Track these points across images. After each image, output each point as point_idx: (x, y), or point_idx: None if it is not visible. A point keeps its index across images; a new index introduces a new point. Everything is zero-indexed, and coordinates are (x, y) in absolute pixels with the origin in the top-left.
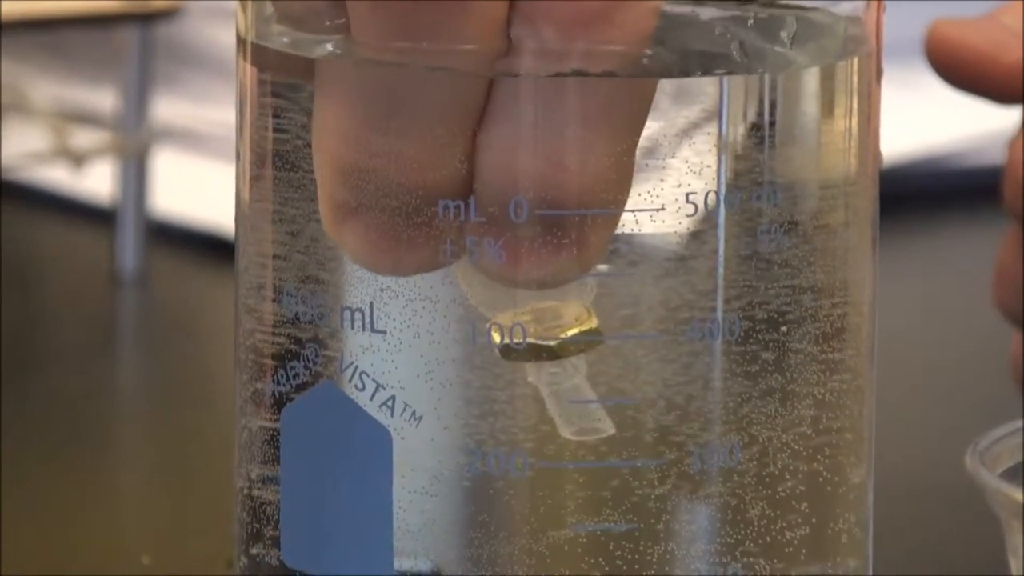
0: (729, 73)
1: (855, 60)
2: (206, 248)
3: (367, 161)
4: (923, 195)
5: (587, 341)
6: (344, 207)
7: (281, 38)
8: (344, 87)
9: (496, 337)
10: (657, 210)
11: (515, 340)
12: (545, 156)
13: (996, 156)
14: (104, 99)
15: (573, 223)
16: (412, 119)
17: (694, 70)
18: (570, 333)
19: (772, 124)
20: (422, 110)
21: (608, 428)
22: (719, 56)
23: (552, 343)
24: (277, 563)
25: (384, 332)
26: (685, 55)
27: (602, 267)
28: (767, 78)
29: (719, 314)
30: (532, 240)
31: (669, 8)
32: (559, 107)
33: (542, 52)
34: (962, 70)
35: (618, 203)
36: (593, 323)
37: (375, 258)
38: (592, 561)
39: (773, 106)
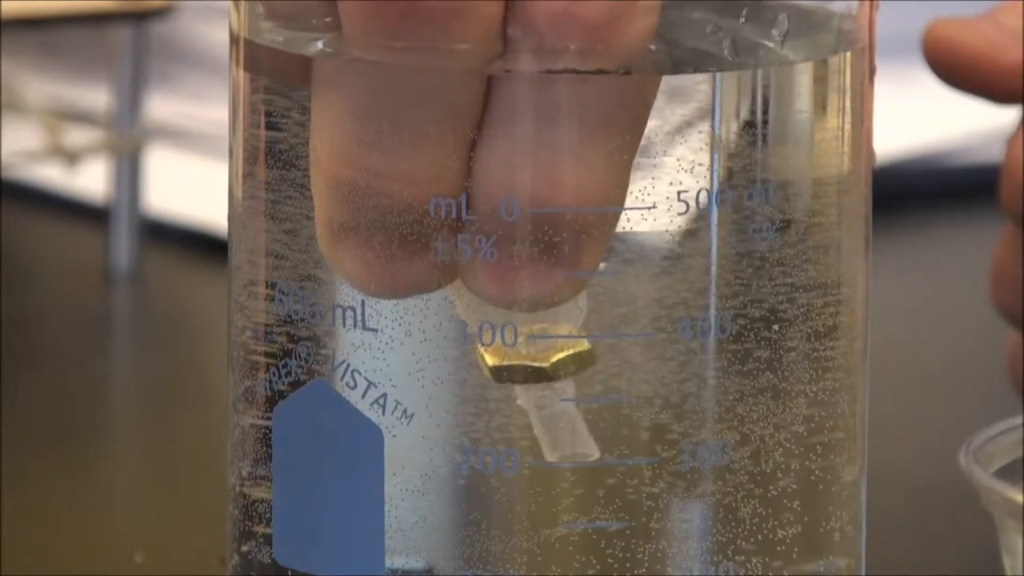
0: (721, 70)
1: (847, 55)
2: (200, 246)
3: (362, 179)
4: (920, 193)
5: (578, 364)
6: (340, 227)
7: (274, 35)
8: (339, 97)
9: (487, 359)
10: (649, 208)
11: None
12: (543, 167)
13: (993, 154)
14: (98, 97)
15: (568, 239)
16: (408, 128)
17: (686, 68)
18: (561, 355)
19: (765, 122)
20: (418, 118)
21: (593, 452)
22: (711, 53)
23: (543, 365)
24: (269, 561)
25: (376, 330)
26: (677, 53)
27: None
28: (759, 75)
29: (712, 312)
30: (527, 256)
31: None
32: (557, 111)
33: (541, 55)
34: (960, 70)
35: (618, 204)
36: (584, 346)
37: (370, 279)
38: (584, 559)
39: (766, 104)
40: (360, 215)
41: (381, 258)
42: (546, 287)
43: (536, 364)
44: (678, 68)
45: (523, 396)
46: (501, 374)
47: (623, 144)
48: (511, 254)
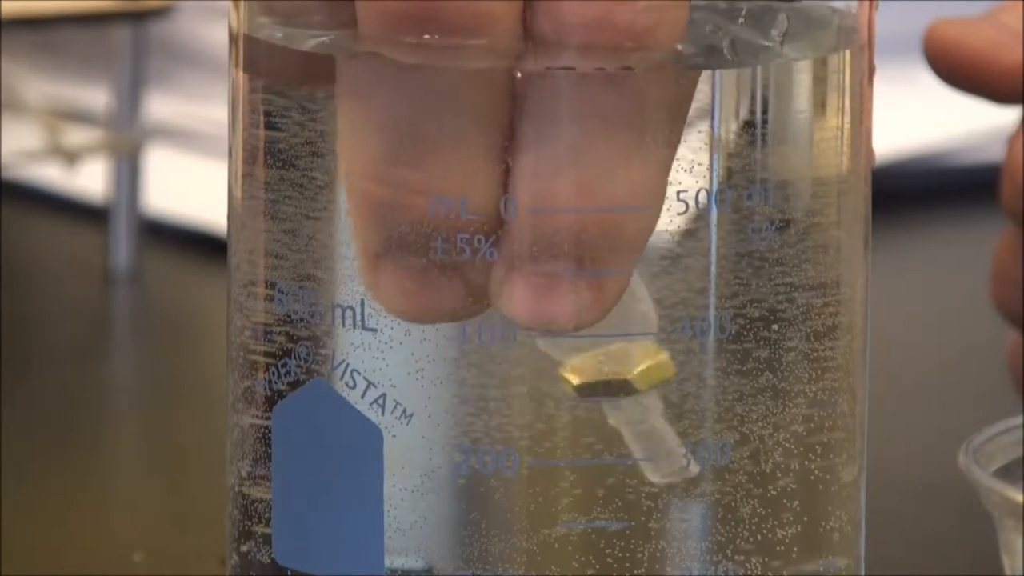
0: (720, 67)
1: (847, 54)
2: (199, 246)
3: (395, 196)
4: (920, 192)
5: (661, 373)
6: (376, 250)
7: (272, 32)
8: (364, 107)
9: (572, 379)
10: None
11: (588, 378)
12: (579, 174)
13: (993, 153)
14: (97, 97)
15: (600, 249)
16: (435, 138)
17: (685, 67)
18: (642, 367)
19: (764, 122)
20: (444, 125)
21: (694, 469)
22: (710, 52)
23: (627, 378)
24: (268, 561)
25: (375, 330)
26: (676, 52)
27: None
28: (759, 73)
29: (711, 312)
30: (557, 283)
31: None
32: (585, 114)
33: (567, 52)
34: (961, 71)
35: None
36: (663, 356)
37: (410, 305)
38: (584, 559)
39: (765, 104)
40: (396, 235)
41: (419, 283)
42: (575, 311)
43: (620, 378)
44: (679, 66)
45: (614, 416)
46: (587, 391)
47: (665, 143)
48: (547, 274)
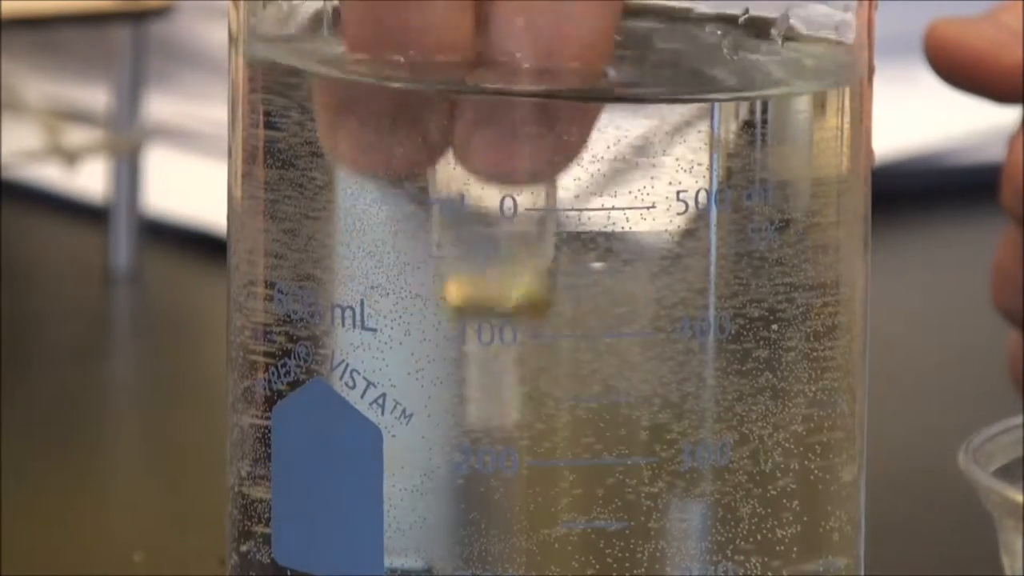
0: (718, 99)
1: (847, 86)
2: (199, 246)
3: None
4: (920, 192)
5: (534, 308)
6: (337, 109)
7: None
8: None
9: (449, 298)
10: (648, 208)
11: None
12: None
13: (994, 153)
14: (97, 97)
15: (561, 111)
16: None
17: (683, 91)
18: (518, 297)
19: (764, 122)
20: None
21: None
22: (708, 68)
23: (501, 305)
24: (268, 561)
25: (375, 330)
26: (675, 71)
27: (595, 264)
28: (757, 105)
29: (711, 312)
30: (519, 128)
31: (655, 20)
32: None
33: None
34: (962, 70)
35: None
36: (541, 291)
37: (369, 160)
38: (583, 559)
39: (765, 104)
40: (356, 92)
41: (377, 137)
42: (541, 157)
43: (495, 305)
44: (674, 90)
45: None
46: (460, 314)
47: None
48: (507, 127)
